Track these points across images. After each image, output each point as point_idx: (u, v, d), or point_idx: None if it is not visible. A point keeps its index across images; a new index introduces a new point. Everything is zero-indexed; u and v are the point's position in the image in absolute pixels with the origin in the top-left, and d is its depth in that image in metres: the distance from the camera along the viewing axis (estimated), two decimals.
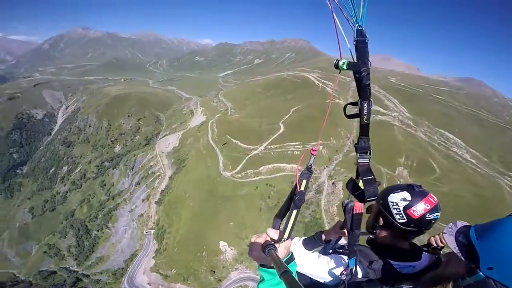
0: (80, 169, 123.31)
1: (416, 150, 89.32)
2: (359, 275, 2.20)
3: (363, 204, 1.94)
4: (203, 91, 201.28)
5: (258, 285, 1.62)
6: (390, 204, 2.18)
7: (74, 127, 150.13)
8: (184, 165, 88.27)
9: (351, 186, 1.93)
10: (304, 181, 1.57)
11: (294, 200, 1.54)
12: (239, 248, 63.05)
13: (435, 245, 2.66)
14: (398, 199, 2.16)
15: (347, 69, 1.59)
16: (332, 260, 2.39)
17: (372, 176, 1.80)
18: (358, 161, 1.84)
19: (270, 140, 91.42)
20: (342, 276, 2.16)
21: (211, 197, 72.47)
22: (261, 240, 1.59)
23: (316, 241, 2.57)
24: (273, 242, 1.56)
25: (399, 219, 2.14)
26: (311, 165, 1.65)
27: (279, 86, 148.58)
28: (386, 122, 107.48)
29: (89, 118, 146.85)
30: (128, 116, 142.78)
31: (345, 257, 2.29)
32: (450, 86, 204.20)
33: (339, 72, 1.69)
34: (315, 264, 2.40)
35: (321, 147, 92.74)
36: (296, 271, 2.21)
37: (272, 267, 1.50)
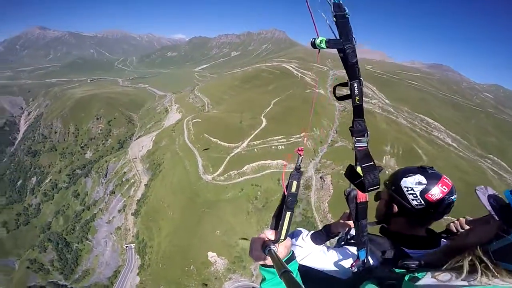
0: (50, 179, 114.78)
1: (400, 137, 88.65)
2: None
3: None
4: (178, 87, 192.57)
5: (260, 284, 1.62)
6: (405, 189, 2.04)
7: (38, 134, 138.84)
8: (160, 170, 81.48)
9: (349, 173, 1.72)
10: (295, 182, 1.50)
11: (286, 202, 1.49)
12: (230, 257, 58.66)
13: (455, 231, 2.36)
14: (413, 183, 2.01)
15: (328, 47, 1.39)
16: (342, 252, 2.28)
17: (372, 162, 1.61)
18: (355, 145, 1.66)
19: (253, 136, 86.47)
20: (353, 268, 2.07)
21: (192, 205, 66.74)
22: (260, 240, 1.58)
23: (324, 235, 2.40)
24: (272, 242, 1.55)
25: (417, 205, 2.00)
26: (299, 165, 1.55)
27: (258, 78, 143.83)
28: (367, 109, 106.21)
29: (53, 124, 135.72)
30: (97, 118, 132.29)
31: (355, 249, 2.16)
32: (422, 72, 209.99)
33: (319, 51, 1.49)
34: (325, 258, 2.28)
35: (305, 139, 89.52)
36: (308, 266, 2.28)
37: (273, 267, 1.49)
